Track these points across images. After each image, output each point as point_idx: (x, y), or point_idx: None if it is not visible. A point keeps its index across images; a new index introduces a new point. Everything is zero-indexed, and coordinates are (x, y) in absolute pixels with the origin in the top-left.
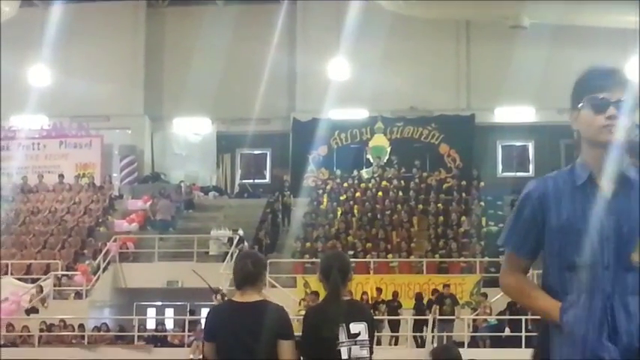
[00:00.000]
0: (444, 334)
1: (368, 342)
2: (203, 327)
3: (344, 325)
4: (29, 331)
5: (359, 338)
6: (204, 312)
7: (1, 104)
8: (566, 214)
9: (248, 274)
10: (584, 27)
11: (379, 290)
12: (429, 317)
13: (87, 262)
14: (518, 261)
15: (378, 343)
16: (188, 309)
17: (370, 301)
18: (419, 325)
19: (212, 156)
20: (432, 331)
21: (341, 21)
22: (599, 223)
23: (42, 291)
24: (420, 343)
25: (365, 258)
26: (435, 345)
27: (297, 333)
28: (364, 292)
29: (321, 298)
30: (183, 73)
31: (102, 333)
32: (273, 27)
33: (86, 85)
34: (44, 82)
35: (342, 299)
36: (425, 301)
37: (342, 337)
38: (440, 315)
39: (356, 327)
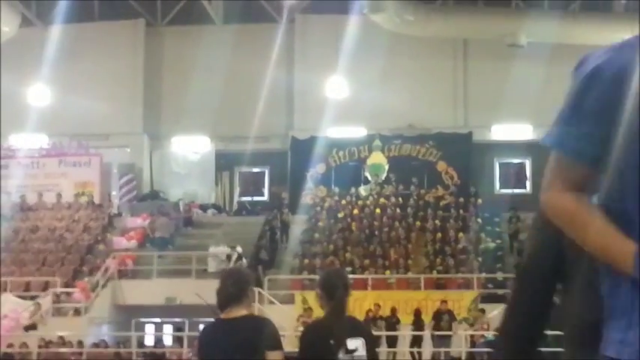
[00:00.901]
0: (442, 349)
1: (365, 358)
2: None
3: (340, 341)
4: (28, 348)
5: (356, 354)
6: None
7: (0, 123)
8: None
9: (228, 296)
10: (581, 45)
11: (377, 306)
12: (426, 333)
13: (86, 279)
14: (577, 171)
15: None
16: (186, 325)
17: (373, 318)
18: (418, 342)
19: (211, 174)
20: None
21: (339, 40)
22: None
23: (40, 308)
24: (418, 359)
25: (363, 274)
26: None
27: (296, 349)
28: (369, 310)
29: (314, 315)
30: (182, 91)
31: (100, 350)
32: (272, 46)
33: (85, 104)
34: (44, 101)
35: (345, 316)
36: (429, 318)
37: (340, 353)
38: (437, 331)
39: (353, 343)
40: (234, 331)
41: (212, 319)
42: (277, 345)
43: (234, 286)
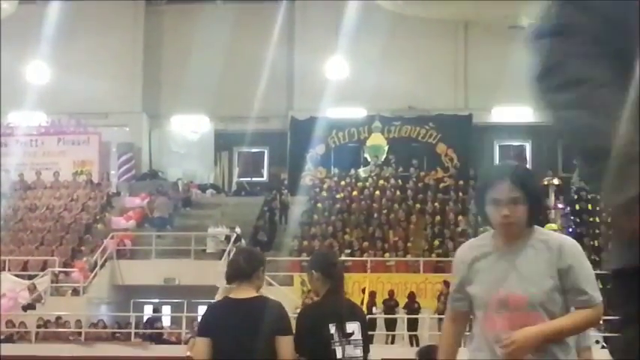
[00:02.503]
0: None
1: (361, 341)
2: (198, 324)
3: (338, 324)
4: (26, 328)
5: (352, 337)
6: (202, 309)
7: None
8: None
9: (238, 269)
10: None
11: (375, 289)
12: (425, 316)
13: (84, 258)
14: None
15: (373, 341)
16: (184, 306)
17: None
18: (414, 325)
19: (210, 154)
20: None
21: (339, 20)
22: None
23: (35, 288)
24: (416, 342)
25: (362, 257)
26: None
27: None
28: (373, 292)
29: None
30: (182, 70)
31: (99, 330)
32: (272, 25)
33: (84, 83)
34: (43, 79)
35: (344, 298)
36: (428, 301)
37: (336, 336)
38: (441, 314)
39: (350, 326)
40: (245, 312)
41: (211, 300)
42: (288, 330)
43: (247, 262)
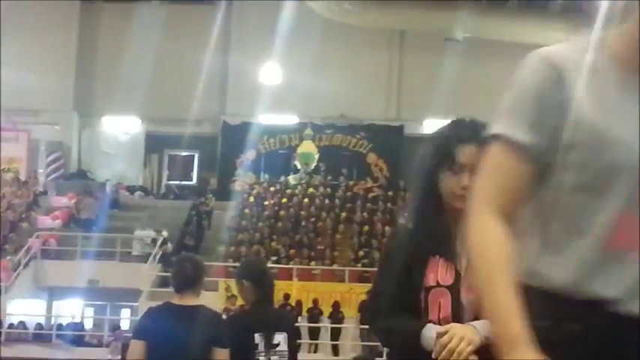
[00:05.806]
0: (368, 343)
1: (287, 352)
2: (135, 326)
3: (264, 334)
4: None
5: (278, 349)
6: (124, 312)
7: None
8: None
9: (187, 277)
10: (516, 43)
11: (301, 297)
12: (348, 326)
13: (8, 257)
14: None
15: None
16: (107, 308)
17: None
18: (336, 335)
19: (140, 155)
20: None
21: (276, 25)
22: None
23: None
24: (338, 352)
25: (288, 264)
26: (355, 354)
27: None
28: (298, 301)
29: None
30: (115, 70)
31: (20, 331)
32: (208, 28)
33: (15, 79)
34: None
35: (272, 307)
36: (352, 311)
37: (261, 346)
38: (362, 324)
39: (276, 337)
40: (185, 319)
41: (134, 304)
42: (225, 342)
43: (193, 270)
